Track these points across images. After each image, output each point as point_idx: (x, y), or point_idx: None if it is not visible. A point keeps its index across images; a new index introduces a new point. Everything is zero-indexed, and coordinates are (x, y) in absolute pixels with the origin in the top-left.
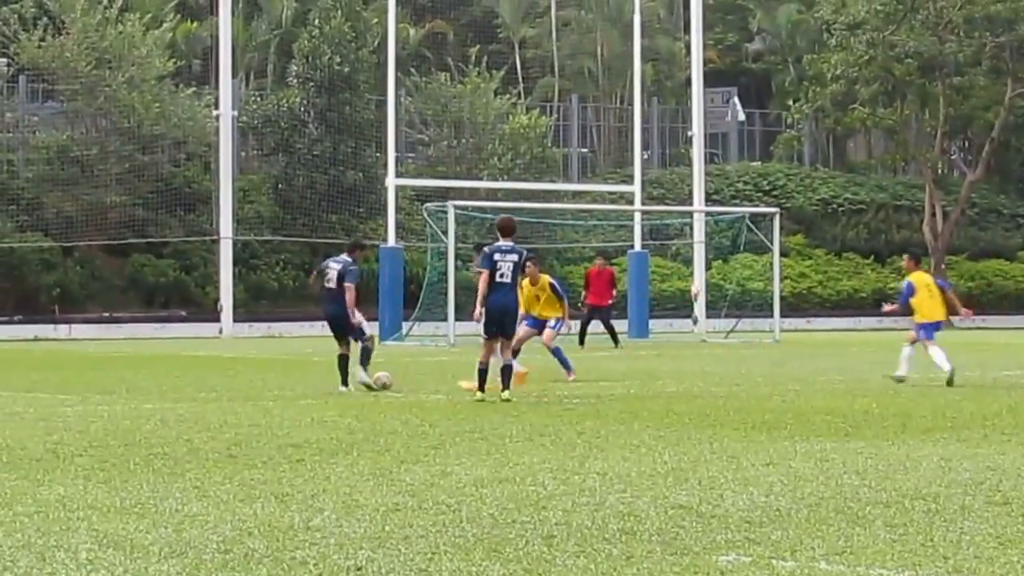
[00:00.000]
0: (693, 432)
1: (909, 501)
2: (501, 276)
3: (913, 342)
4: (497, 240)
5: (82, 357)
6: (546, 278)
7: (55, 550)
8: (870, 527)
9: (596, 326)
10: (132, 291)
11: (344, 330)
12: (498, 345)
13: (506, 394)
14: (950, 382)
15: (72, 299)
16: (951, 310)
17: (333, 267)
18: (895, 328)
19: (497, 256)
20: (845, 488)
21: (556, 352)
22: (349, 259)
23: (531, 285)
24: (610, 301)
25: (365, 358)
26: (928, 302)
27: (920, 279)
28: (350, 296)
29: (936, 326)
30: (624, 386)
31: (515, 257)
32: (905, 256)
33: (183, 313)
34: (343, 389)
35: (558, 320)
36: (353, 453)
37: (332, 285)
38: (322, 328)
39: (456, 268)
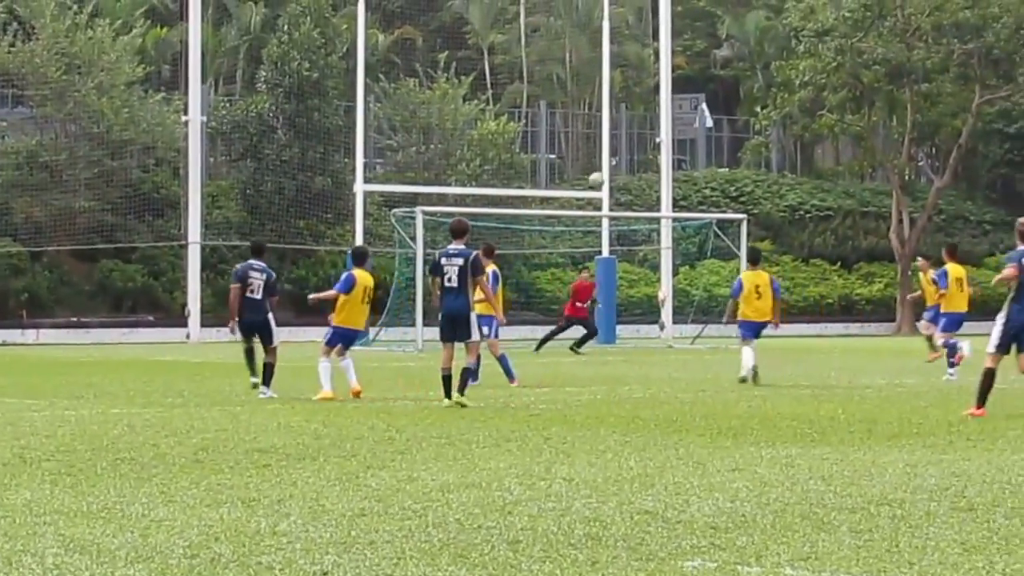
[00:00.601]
0: (659, 438)
1: (874, 507)
2: (448, 281)
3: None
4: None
5: (50, 362)
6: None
7: (22, 555)
8: (835, 533)
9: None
10: (100, 296)
11: (263, 336)
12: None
13: (459, 397)
14: (743, 380)
15: (40, 304)
16: (775, 311)
17: (256, 276)
18: (862, 335)
19: (443, 261)
20: (811, 494)
21: (501, 359)
22: (266, 265)
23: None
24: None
25: (268, 374)
26: (755, 303)
27: (752, 279)
28: (274, 303)
29: (759, 326)
30: (591, 392)
31: (460, 261)
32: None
33: (151, 318)
34: (255, 380)
35: (490, 321)
36: (319, 458)
37: (257, 296)
38: (289, 334)
39: (424, 274)
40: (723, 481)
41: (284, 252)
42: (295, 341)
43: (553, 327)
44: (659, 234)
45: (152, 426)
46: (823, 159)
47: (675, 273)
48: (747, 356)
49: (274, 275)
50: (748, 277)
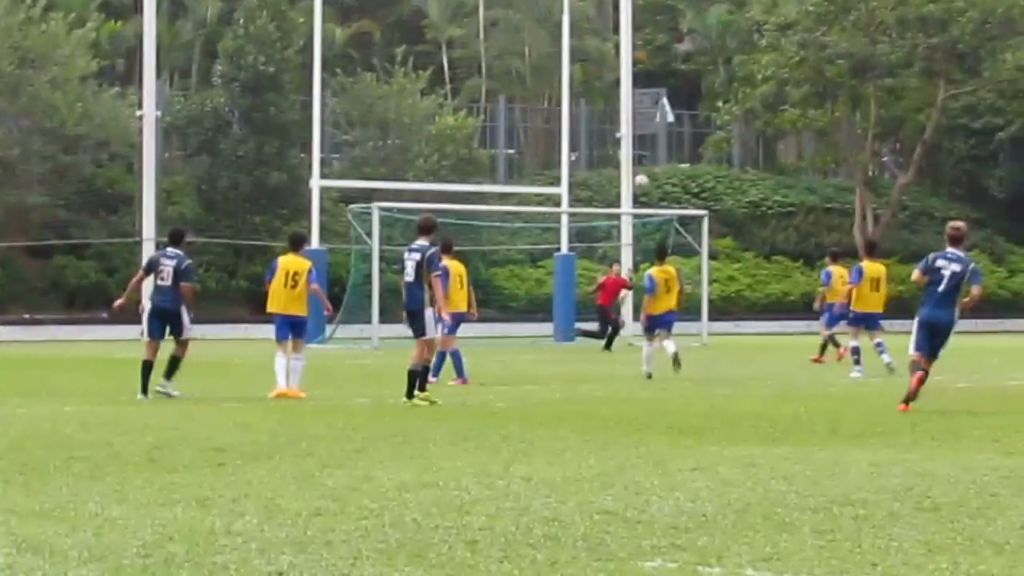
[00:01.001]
0: (619, 437)
1: (837, 507)
2: (407, 275)
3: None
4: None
5: (2, 359)
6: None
7: None
8: (798, 533)
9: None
10: (53, 293)
11: (173, 327)
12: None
13: (415, 399)
14: (650, 376)
15: None
16: (680, 302)
17: (167, 263)
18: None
19: (405, 255)
20: (772, 494)
21: (454, 356)
22: (181, 253)
23: None
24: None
25: (172, 368)
26: (663, 297)
27: (659, 274)
28: (187, 295)
29: (668, 318)
30: (550, 390)
31: (417, 256)
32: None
33: (104, 315)
34: (142, 397)
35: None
36: (275, 457)
37: (167, 282)
38: (245, 331)
39: (381, 271)
40: (684, 480)
41: (239, 248)
42: (250, 339)
43: (598, 324)
44: (619, 231)
45: (106, 424)
46: (786, 154)
47: (636, 270)
48: (648, 355)
49: (187, 262)
50: (658, 273)
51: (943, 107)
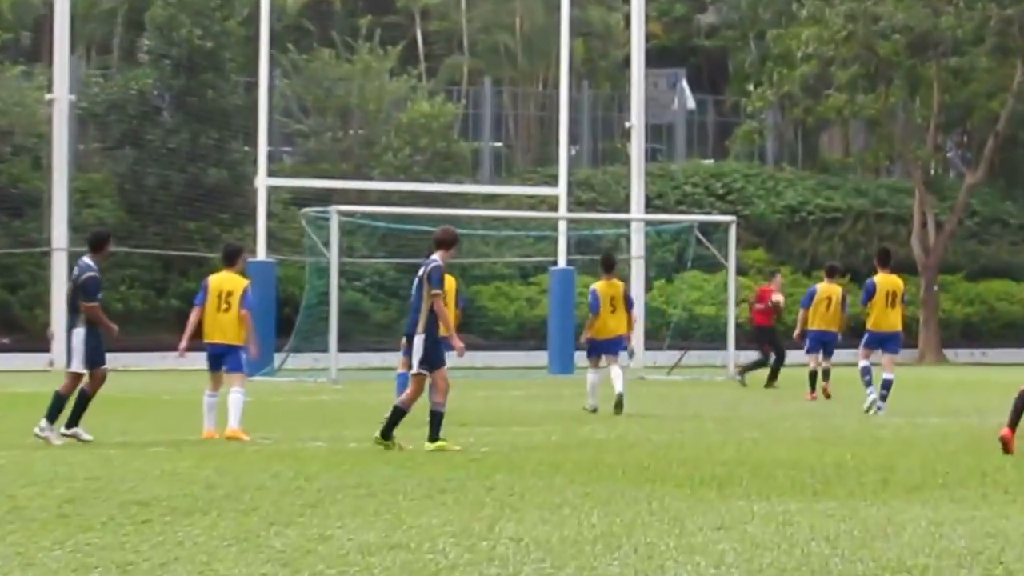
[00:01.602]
0: (628, 489)
1: (891, 574)
2: (412, 294)
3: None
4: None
5: None
6: None
7: None
8: None
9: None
10: None
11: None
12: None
13: (430, 446)
14: (595, 410)
15: None
16: (630, 325)
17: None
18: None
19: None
20: (813, 558)
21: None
22: (92, 263)
23: None
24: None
25: (52, 409)
26: (605, 318)
27: (607, 291)
28: (92, 316)
29: (611, 344)
30: (544, 432)
31: (421, 271)
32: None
33: (6, 340)
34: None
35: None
36: (212, 513)
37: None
38: (175, 360)
39: (341, 288)
40: (705, 542)
41: (170, 260)
42: (181, 370)
43: (761, 352)
44: (628, 240)
45: (7, 473)
46: (830, 149)
47: (648, 288)
48: (592, 384)
49: (87, 274)
50: (603, 288)
51: (1019, 91)
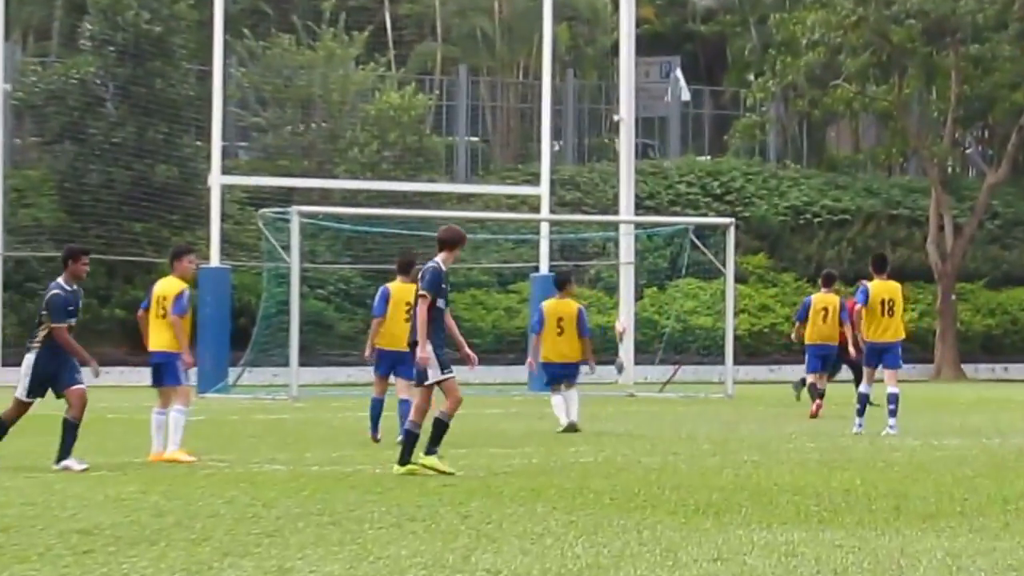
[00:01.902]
0: (616, 517)
1: None
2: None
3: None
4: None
5: None
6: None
7: None
8: None
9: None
10: None
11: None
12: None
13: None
14: (573, 427)
15: None
16: (585, 353)
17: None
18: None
19: None
20: None
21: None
22: (59, 281)
23: None
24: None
25: (65, 439)
26: (554, 340)
27: (555, 310)
28: (60, 338)
29: (565, 369)
30: (524, 454)
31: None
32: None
33: None
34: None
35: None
36: (160, 542)
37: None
38: (121, 375)
39: (302, 296)
40: (701, 574)
41: (114, 266)
42: (127, 386)
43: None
44: (617, 244)
45: None
46: (838, 145)
47: (639, 297)
48: (557, 405)
49: (51, 292)
50: (551, 307)
51: None
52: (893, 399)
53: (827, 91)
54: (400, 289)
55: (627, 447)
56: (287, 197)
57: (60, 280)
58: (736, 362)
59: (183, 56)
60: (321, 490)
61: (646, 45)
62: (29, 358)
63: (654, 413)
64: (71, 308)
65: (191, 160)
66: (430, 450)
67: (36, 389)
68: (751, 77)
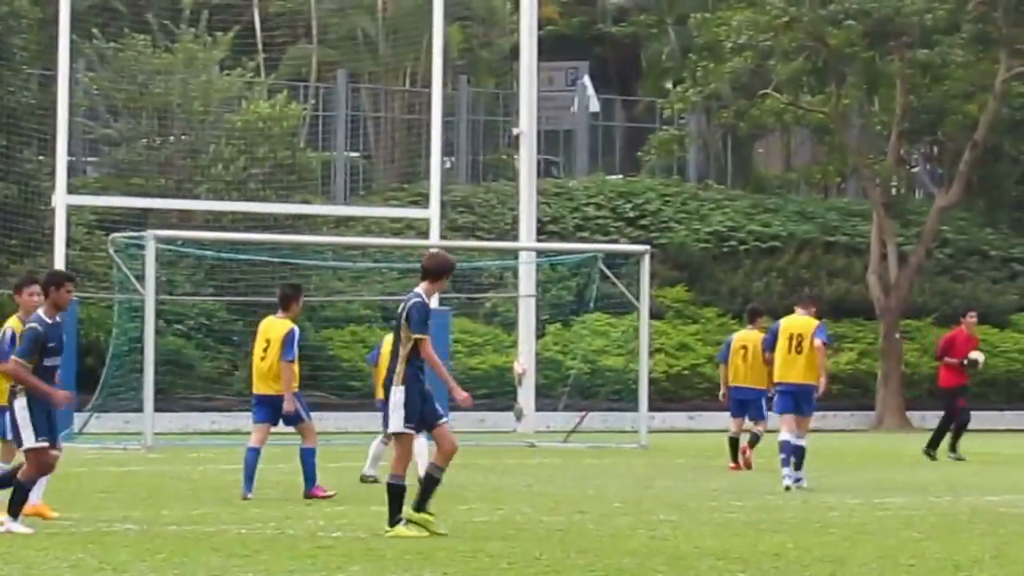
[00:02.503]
0: None
1: None
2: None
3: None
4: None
5: None
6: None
7: None
8: None
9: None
10: None
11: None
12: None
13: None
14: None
15: None
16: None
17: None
18: (827, 429)
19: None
20: None
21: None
22: (41, 314)
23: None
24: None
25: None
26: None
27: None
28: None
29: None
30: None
31: (400, 309)
32: None
33: None
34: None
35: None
36: None
37: None
38: None
39: (158, 332)
40: None
41: None
42: None
43: (946, 415)
44: (516, 274)
45: None
46: (767, 163)
47: (541, 334)
48: (420, 450)
49: (28, 327)
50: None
51: (1003, 92)
52: (797, 452)
53: (755, 101)
54: (279, 324)
55: (527, 504)
56: (141, 220)
57: (40, 312)
58: (651, 408)
59: (23, 59)
60: (179, 553)
61: (550, 49)
62: (22, 401)
63: (558, 466)
64: (51, 345)
65: (32, 177)
66: (419, 507)
67: (43, 429)
68: (669, 85)
